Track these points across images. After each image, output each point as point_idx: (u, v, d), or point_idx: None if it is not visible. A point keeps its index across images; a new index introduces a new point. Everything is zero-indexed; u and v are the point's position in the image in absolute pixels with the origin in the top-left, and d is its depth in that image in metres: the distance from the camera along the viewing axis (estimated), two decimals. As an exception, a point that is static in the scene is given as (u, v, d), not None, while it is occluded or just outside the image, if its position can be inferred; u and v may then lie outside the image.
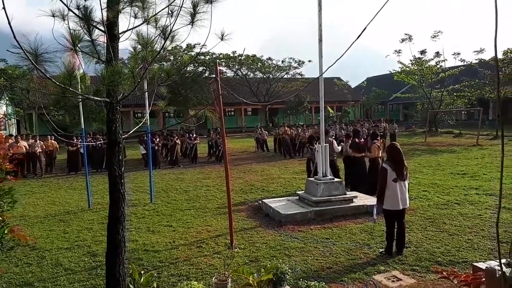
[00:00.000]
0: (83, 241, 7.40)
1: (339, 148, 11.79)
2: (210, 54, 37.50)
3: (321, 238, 7.07)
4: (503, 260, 3.65)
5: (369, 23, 4.44)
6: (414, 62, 32.32)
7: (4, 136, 4.01)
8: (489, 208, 8.51)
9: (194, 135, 19.50)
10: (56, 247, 7.13)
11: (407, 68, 33.23)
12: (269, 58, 42.95)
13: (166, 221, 8.60)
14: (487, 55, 29.90)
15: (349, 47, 4.69)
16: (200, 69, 38.86)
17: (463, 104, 30.87)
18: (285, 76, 44.41)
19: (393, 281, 5.27)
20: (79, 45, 3.69)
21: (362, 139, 11.88)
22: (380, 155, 10.55)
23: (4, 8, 2.76)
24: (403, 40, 31.75)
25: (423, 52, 31.55)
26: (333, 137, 14.41)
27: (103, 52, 3.98)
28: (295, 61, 43.05)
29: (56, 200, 11.37)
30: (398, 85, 44.67)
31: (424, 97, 32.57)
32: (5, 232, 3.56)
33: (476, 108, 30.66)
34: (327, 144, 9.38)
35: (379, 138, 10.98)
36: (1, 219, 3.61)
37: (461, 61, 32.03)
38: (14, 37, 2.78)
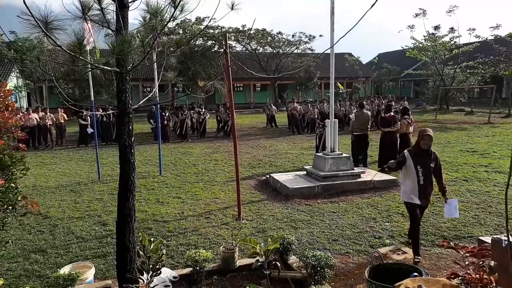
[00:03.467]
0: (94, 211, 7.56)
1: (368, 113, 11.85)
2: (219, 27, 36.96)
3: (327, 211, 7.14)
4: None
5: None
6: (427, 38, 31.59)
7: (15, 107, 4.05)
8: (498, 185, 8.48)
9: (204, 110, 19.50)
10: (67, 216, 7.30)
11: (420, 44, 32.53)
12: (279, 33, 42.22)
13: (175, 193, 8.73)
14: (504, 31, 29.16)
15: (361, 17, 4.58)
16: (209, 43, 38.42)
17: (476, 81, 30.28)
18: (295, 51, 43.70)
19: (398, 254, 5.34)
20: (88, 13, 3.66)
21: (391, 113, 11.03)
22: (411, 131, 10.57)
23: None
24: (416, 15, 31.05)
25: (437, 27, 30.83)
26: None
27: (112, 22, 3.94)
28: (306, 35, 42.29)
29: (67, 171, 11.55)
30: (410, 61, 43.88)
31: (436, 74, 31.97)
32: (18, 198, 3.63)
33: (489, 86, 30.07)
34: (336, 120, 9.31)
35: (410, 114, 10.86)
36: (14, 186, 3.68)
37: (476, 37, 31.27)
38: (24, 2, 2.77)
